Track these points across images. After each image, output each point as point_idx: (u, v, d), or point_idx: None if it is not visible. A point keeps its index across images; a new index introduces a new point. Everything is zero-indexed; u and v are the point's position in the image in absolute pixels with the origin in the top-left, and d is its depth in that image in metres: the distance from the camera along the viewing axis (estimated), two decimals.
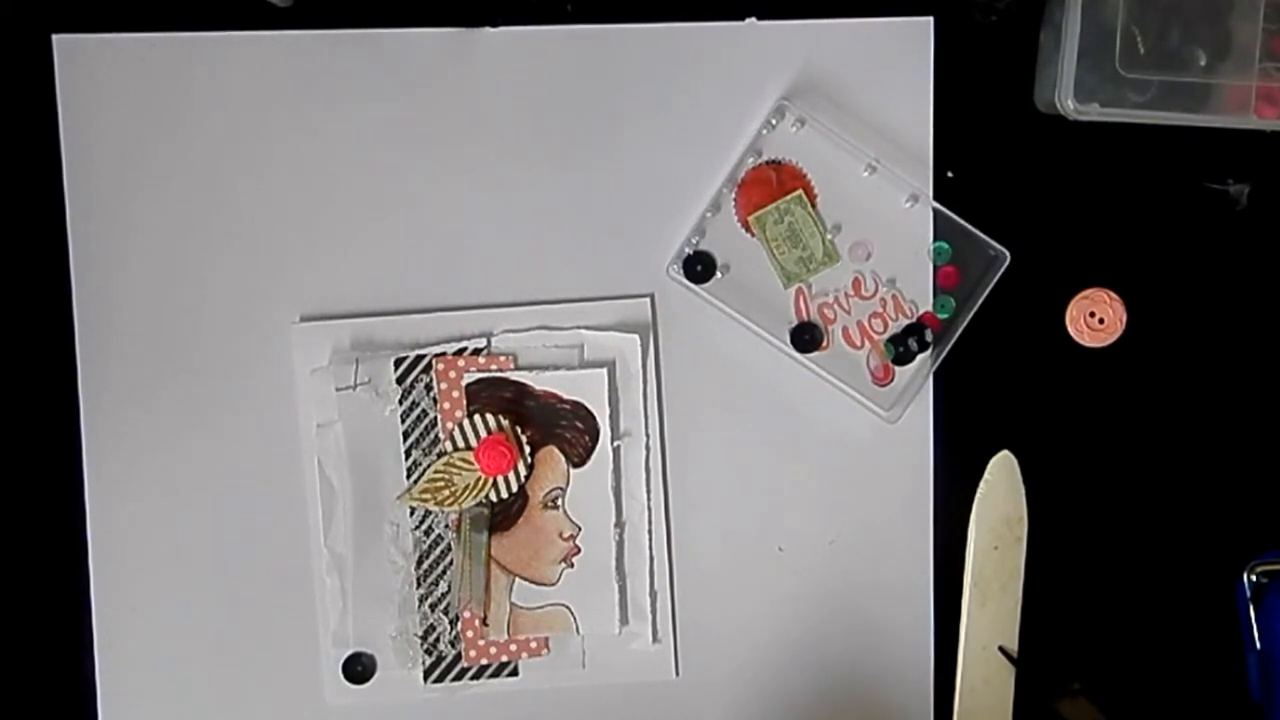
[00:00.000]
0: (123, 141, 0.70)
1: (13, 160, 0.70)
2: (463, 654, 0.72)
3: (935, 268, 0.73)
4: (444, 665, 0.73)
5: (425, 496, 0.71)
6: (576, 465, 0.72)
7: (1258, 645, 0.74)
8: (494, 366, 0.71)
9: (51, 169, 0.70)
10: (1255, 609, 0.74)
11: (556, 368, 0.72)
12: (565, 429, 0.72)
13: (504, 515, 0.72)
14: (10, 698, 0.72)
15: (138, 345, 0.71)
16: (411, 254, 0.71)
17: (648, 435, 0.72)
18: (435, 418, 0.71)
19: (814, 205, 0.72)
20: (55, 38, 0.70)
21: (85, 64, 0.70)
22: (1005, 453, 0.74)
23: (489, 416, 0.71)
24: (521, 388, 0.71)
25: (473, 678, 0.72)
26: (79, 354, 0.71)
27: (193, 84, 0.70)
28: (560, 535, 0.72)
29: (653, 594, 0.73)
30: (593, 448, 0.72)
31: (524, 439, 0.72)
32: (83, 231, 0.70)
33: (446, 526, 0.72)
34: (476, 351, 0.71)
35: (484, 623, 0.72)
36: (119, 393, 0.71)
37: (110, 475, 0.71)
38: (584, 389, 0.72)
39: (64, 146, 0.70)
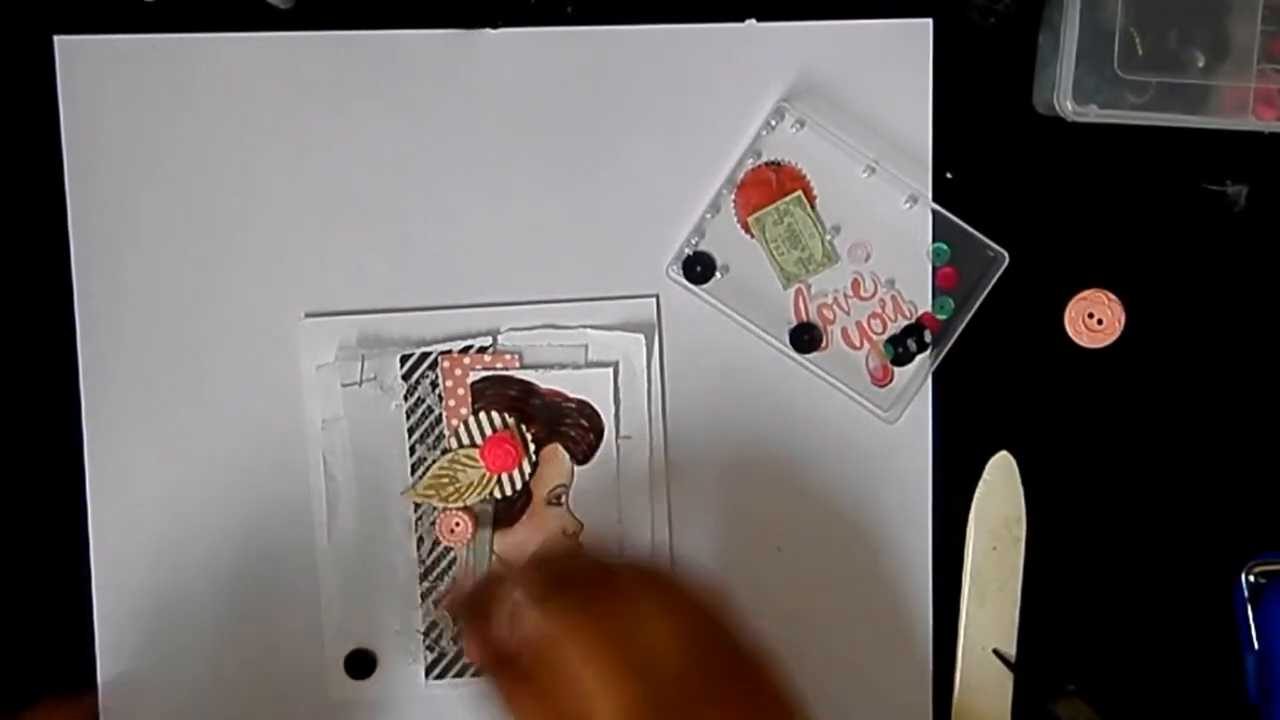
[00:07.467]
0: (124, 142, 0.70)
1: (14, 161, 0.70)
2: (465, 650, 0.72)
3: (934, 268, 0.73)
4: (446, 661, 0.73)
5: (430, 493, 0.71)
6: (581, 462, 0.72)
7: (1255, 646, 0.74)
8: (499, 364, 0.71)
9: (53, 169, 0.70)
10: (1253, 609, 0.74)
11: (562, 366, 0.72)
12: (570, 427, 0.72)
13: (508, 512, 0.72)
14: (12, 693, 0.72)
15: (140, 344, 0.71)
16: (417, 252, 0.72)
17: (651, 434, 0.72)
18: (440, 414, 0.71)
19: (813, 206, 0.72)
20: (57, 39, 0.70)
21: (87, 65, 0.70)
22: (1004, 453, 0.74)
23: (494, 414, 0.71)
24: (527, 386, 0.72)
25: (474, 674, 0.72)
26: (81, 353, 0.71)
27: (194, 84, 0.70)
28: (564, 532, 0.72)
29: None
30: (597, 445, 0.72)
31: (529, 436, 0.72)
32: (84, 231, 0.70)
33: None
34: (482, 349, 0.71)
35: None
36: (122, 391, 0.71)
37: (112, 471, 0.71)
38: (589, 388, 0.72)
39: (65, 147, 0.70)
